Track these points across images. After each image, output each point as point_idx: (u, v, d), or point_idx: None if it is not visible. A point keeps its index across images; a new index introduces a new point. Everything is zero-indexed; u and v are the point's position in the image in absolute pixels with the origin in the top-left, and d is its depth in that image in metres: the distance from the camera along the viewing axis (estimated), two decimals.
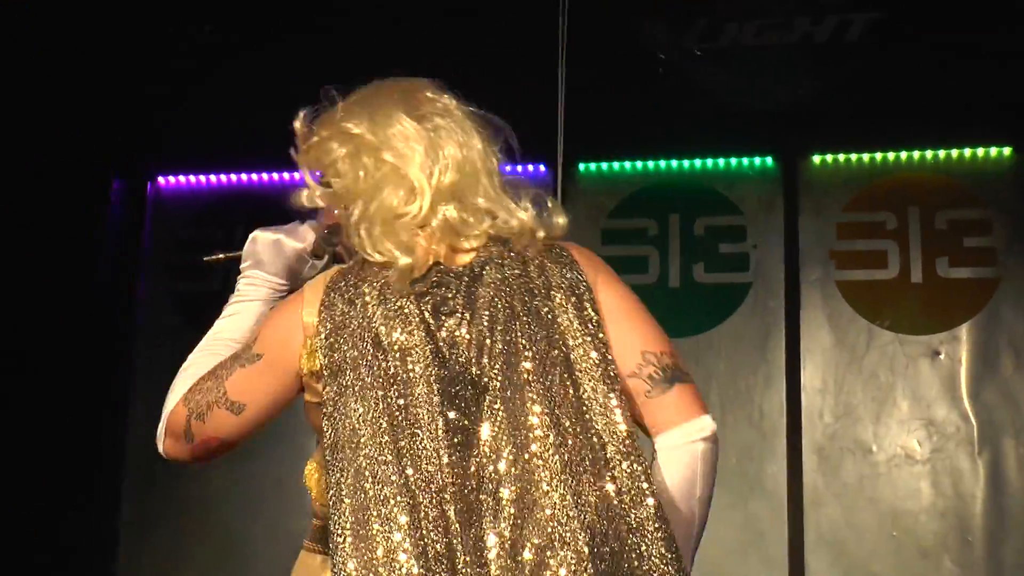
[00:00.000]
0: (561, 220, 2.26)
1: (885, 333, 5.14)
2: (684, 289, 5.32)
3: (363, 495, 2.16)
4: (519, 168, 5.80)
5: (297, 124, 2.27)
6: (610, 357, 2.18)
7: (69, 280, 5.55)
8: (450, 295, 2.22)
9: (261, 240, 2.38)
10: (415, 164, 2.22)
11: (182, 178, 5.77)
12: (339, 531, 2.13)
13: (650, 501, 2.06)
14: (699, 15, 5.11)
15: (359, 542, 2.13)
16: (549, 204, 2.29)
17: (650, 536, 2.06)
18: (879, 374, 5.12)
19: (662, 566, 2.01)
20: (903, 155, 5.26)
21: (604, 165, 5.46)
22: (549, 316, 2.21)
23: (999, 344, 5.05)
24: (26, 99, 5.43)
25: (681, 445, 2.13)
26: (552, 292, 2.24)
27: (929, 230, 5.18)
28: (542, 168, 5.18)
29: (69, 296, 5.52)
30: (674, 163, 5.43)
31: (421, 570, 2.07)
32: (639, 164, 5.41)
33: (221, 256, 2.54)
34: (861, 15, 5.01)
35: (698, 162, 5.40)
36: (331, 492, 2.15)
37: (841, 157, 5.31)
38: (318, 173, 2.32)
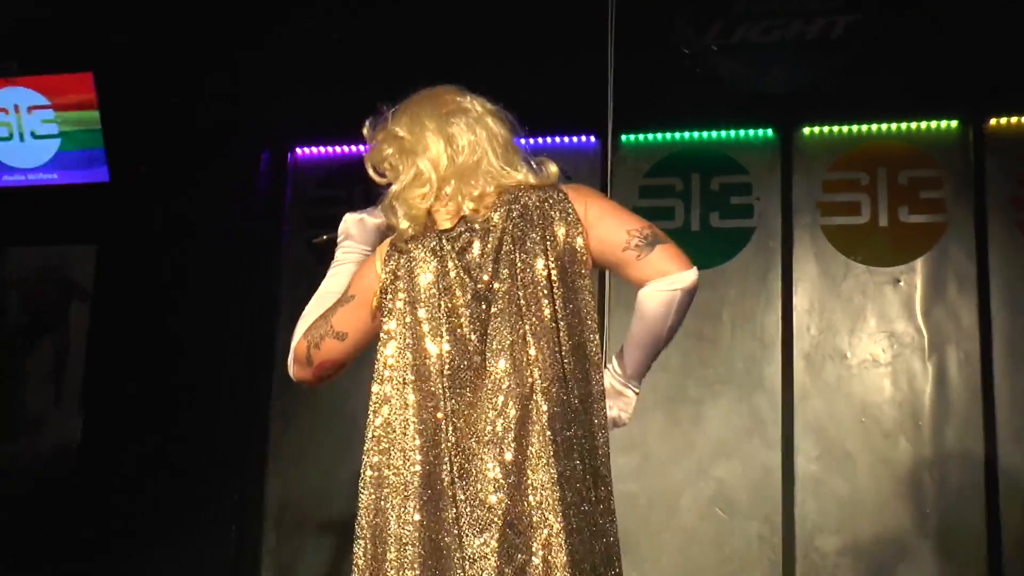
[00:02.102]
0: (552, 169, 2.47)
1: (858, 266, 5.33)
2: (703, 232, 5.49)
3: (392, 364, 2.35)
4: (577, 139, 6.01)
5: (364, 132, 2.53)
6: (581, 268, 2.35)
7: (230, 230, 5.78)
8: (467, 238, 2.41)
9: (350, 220, 2.61)
10: (429, 157, 2.43)
11: (314, 149, 5.94)
12: (377, 385, 2.35)
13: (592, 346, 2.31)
14: (717, 18, 5.31)
15: (382, 386, 2.36)
16: (542, 162, 2.48)
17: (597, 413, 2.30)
18: (853, 298, 5.31)
19: (591, 420, 2.28)
20: (874, 127, 5.44)
21: (641, 136, 5.60)
22: (543, 242, 2.38)
23: (946, 274, 5.23)
24: (198, 92, 5.66)
25: (660, 290, 2.32)
26: (548, 224, 2.39)
27: (893, 185, 5.36)
28: (593, 139, 5.49)
29: (230, 243, 5.77)
30: (695, 134, 5.58)
31: (418, 399, 2.30)
32: (668, 135, 5.58)
33: (324, 237, 2.75)
34: (843, 17, 5.19)
35: (714, 133, 5.56)
36: (377, 366, 2.37)
37: (826, 129, 5.49)
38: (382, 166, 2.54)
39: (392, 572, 2.26)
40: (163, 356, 5.69)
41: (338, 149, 5.92)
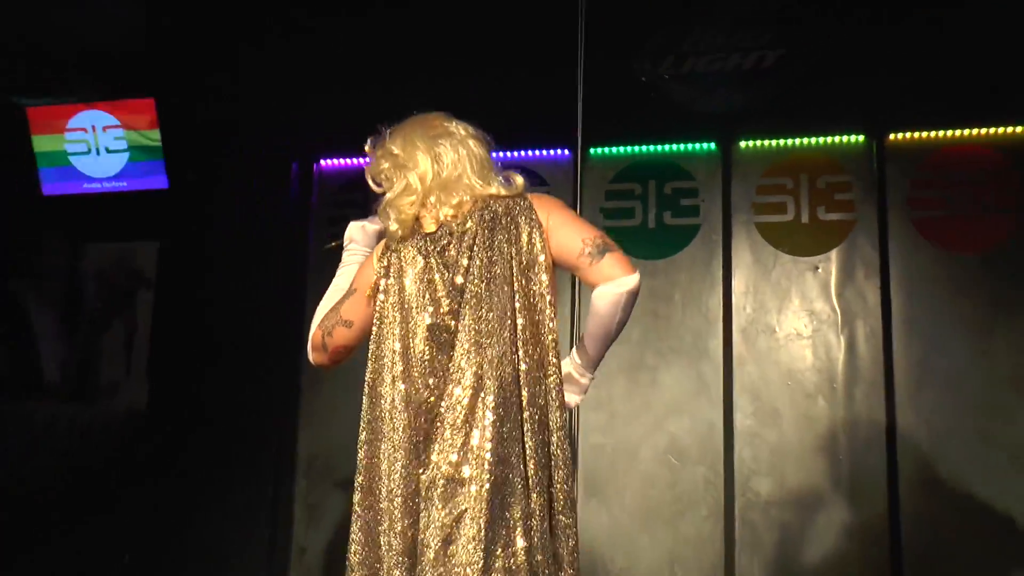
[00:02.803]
0: (519, 181, 2.55)
1: (785, 255, 5.46)
2: (658, 229, 5.59)
3: (382, 345, 2.49)
4: (553, 152, 6.04)
5: (367, 148, 2.66)
6: (540, 267, 2.43)
7: (266, 230, 5.89)
8: (447, 239, 2.49)
9: (353, 227, 2.77)
10: (418, 172, 2.52)
11: (337, 161, 5.99)
12: (371, 361, 2.50)
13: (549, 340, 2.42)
14: (669, 52, 5.44)
15: (376, 363, 2.50)
16: (511, 175, 2.56)
17: (554, 396, 2.40)
18: (780, 282, 5.45)
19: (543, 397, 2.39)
20: (797, 141, 5.53)
21: (606, 149, 5.66)
22: (509, 243, 2.46)
23: (855, 262, 5.37)
24: (239, 114, 5.77)
25: (609, 292, 2.40)
26: (513, 227, 2.47)
27: (813, 189, 5.47)
28: (566, 152, 5.58)
29: (266, 241, 5.89)
30: (652, 147, 5.64)
31: (403, 386, 2.42)
32: (629, 148, 5.64)
33: (335, 244, 2.85)
34: (772, 52, 5.34)
35: (667, 146, 5.62)
36: (371, 347, 2.50)
37: (759, 142, 5.56)
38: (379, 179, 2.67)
39: (383, 504, 2.43)
40: (213, 335, 5.80)
41: (356, 161, 5.94)
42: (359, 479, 2.48)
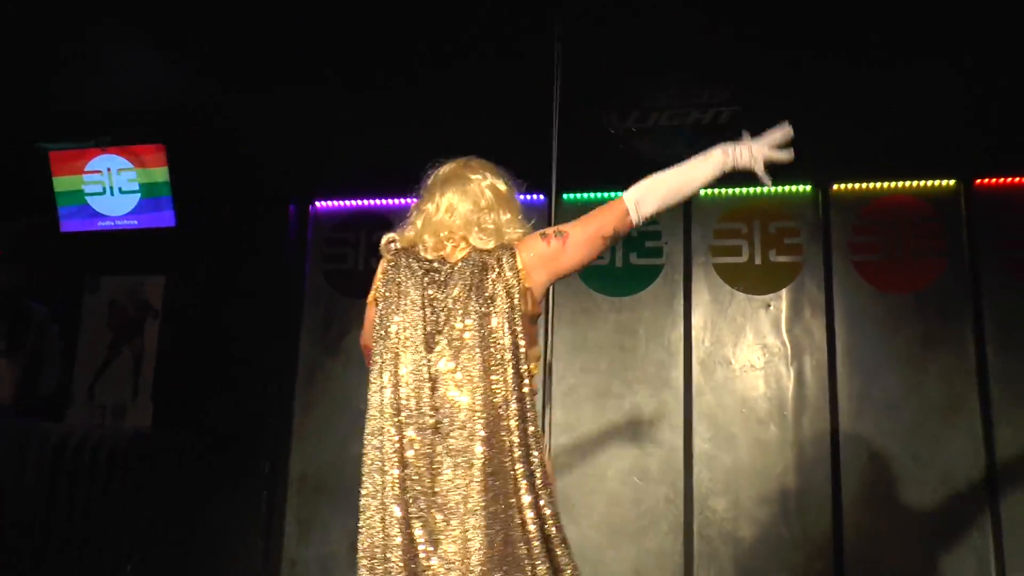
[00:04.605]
0: (529, 232, 2.66)
1: (740, 294, 5.63)
2: (624, 268, 5.72)
3: (380, 361, 2.53)
4: (530, 196, 6.00)
5: (410, 201, 2.78)
6: (514, 308, 2.48)
7: (266, 264, 6.05)
8: (439, 275, 2.56)
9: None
10: (435, 219, 2.62)
11: (331, 202, 6.16)
12: (375, 369, 2.53)
13: (520, 393, 2.45)
14: (635, 108, 5.54)
15: (376, 377, 2.53)
16: (522, 225, 2.67)
17: (515, 419, 2.43)
18: (736, 318, 5.62)
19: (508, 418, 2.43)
20: (751, 189, 5.73)
21: (579, 194, 5.72)
22: (489, 290, 2.52)
23: (803, 301, 5.56)
24: (241, 159, 5.88)
25: (632, 207, 2.72)
26: (492, 275, 2.53)
27: (765, 234, 5.67)
28: (542, 197, 5.45)
29: (265, 274, 6.04)
30: (619, 193, 4.78)
31: (391, 396, 2.46)
32: (599, 194, 5.65)
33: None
34: (727, 108, 5.45)
35: None
36: (374, 359, 2.54)
37: (716, 191, 5.72)
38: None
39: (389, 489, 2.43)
40: (214, 360, 5.92)
41: (350, 203, 6.12)
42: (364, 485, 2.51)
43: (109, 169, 5.83)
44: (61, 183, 5.88)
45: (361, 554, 2.42)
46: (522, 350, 2.46)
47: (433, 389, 2.45)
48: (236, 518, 5.73)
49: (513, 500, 2.37)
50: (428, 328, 2.50)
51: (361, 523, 2.44)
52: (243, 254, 6.02)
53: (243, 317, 5.94)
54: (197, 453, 5.79)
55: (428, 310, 2.51)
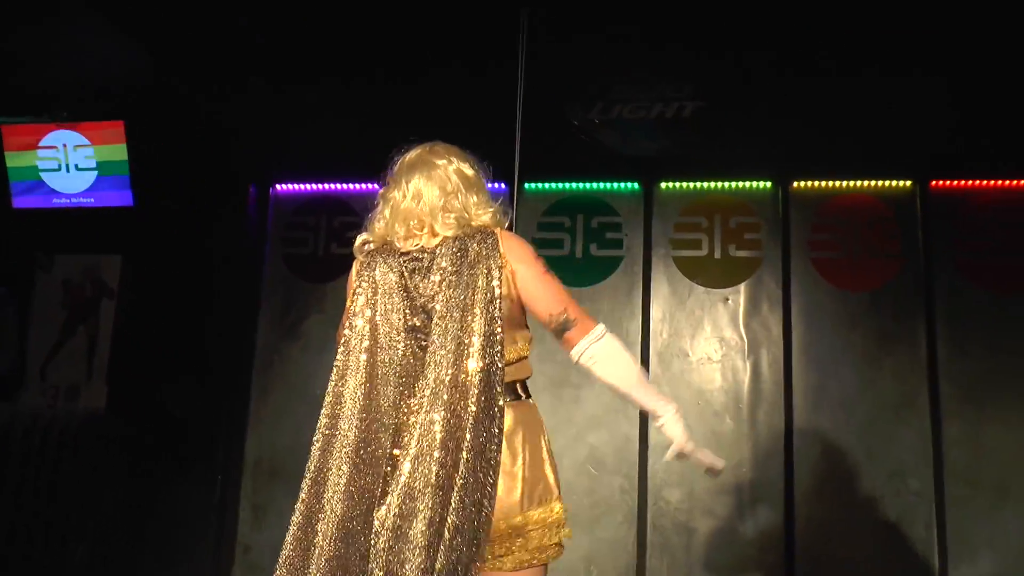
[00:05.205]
0: (494, 213, 2.60)
1: (699, 287, 5.67)
2: (584, 259, 5.73)
3: (347, 359, 2.50)
4: (492, 186, 6.19)
5: (375, 187, 2.73)
6: (494, 297, 2.44)
7: (225, 248, 5.97)
8: (420, 262, 2.53)
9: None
10: (394, 200, 2.59)
11: (291, 185, 6.10)
12: (336, 364, 2.51)
13: (473, 365, 2.40)
14: (598, 100, 5.58)
15: (342, 362, 2.52)
16: (495, 211, 2.61)
17: (475, 394, 2.38)
18: (694, 311, 5.65)
19: (473, 407, 2.38)
20: (712, 184, 5.75)
21: (540, 185, 5.82)
22: (471, 278, 2.48)
23: (761, 295, 5.62)
24: (203, 138, 5.81)
25: (584, 363, 2.50)
26: (476, 264, 2.49)
27: (725, 228, 5.71)
28: (503, 186, 5.26)
29: (225, 257, 5.97)
30: (581, 185, 5.80)
31: (365, 385, 2.45)
32: (560, 185, 5.81)
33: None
34: (691, 103, 5.50)
35: (594, 184, 5.79)
36: (336, 360, 2.51)
37: (678, 184, 5.77)
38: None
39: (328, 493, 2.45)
40: (170, 342, 5.79)
41: (310, 186, 6.08)
42: (309, 468, 2.52)
43: (65, 145, 5.72)
44: (13, 158, 5.74)
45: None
46: (498, 331, 2.42)
47: (412, 374, 2.45)
48: (190, 502, 5.64)
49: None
50: (408, 318, 2.49)
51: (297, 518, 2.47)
52: (202, 236, 5.92)
53: (201, 299, 5.86)
54: (151, 436, 5.71)
55: (407, 300, 2.50)
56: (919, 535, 5.22)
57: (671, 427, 2.55)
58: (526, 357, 2.61)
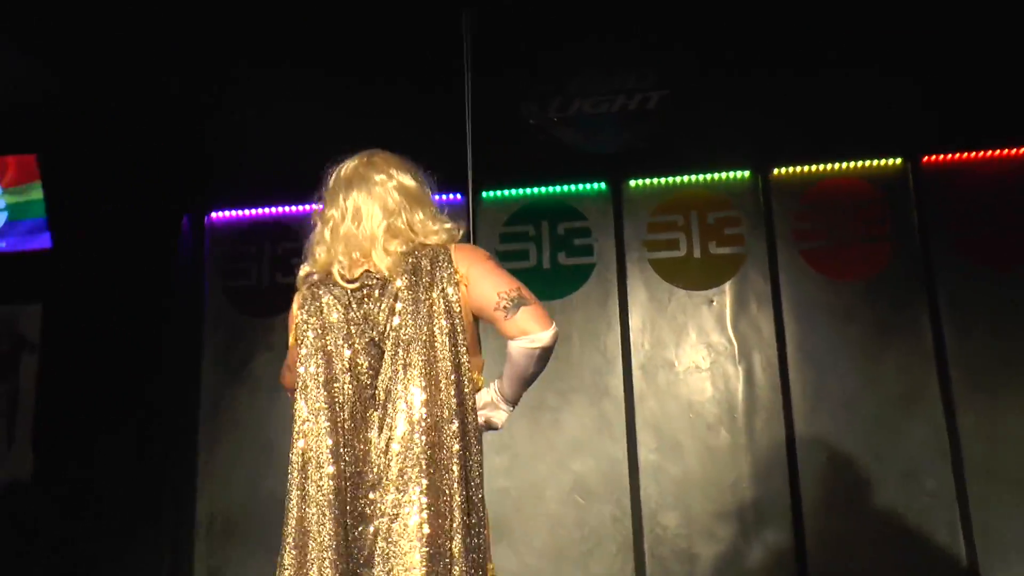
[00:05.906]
0: (447, 228, 2.50)
1: (679, 290, 5.45)
2: (552, 269, 5.53)
3: (310, 401, 2.39)
4: (446, 196, 6.01)
5: (313, 207, 2.60)
6: (457, 322, 2.40)
7: (159, 281, 5.66)
8: (370, 291, 2.45)
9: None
10: (343, 229, 2.48)
11: (227, 213, 5.87)
12: (299, 407, 2.41)
13: (454, 401, 2.35)
14: (556, 95, 5.37)
15: (302, 410, 2.40)
16: (443, 224, 2.51)
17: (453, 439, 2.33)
18: (676, 316, 5.43)
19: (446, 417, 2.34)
20: (686, 178, 5.57)
21: (499, 192, 5.63)
22: (427, 298, 2.42)
23: (748, 294, 5.39)
24: (128, 169, 5.50)
25: (523, 347, 2.38)
26: (431, 288, 2.42)
27: (703, 224, 5.50)
28: (459, 196, 5.25)
29: (160, 290, 5.66)
30: (543, 188, 5.65)
31: (327, 424, 2.36)
32: (521, 191, 5.63)
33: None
34: (656, 93, 5.30)
35: (558, 187, 5.64)
36: (298, 392, 2.42)
37: (648, 180, 5.58)
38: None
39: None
40: (104, 396, 5.44)
41: (249, 212, 5.87)
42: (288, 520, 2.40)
43: None
44: None
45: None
46: (465, 361, 2.39)
47: (373, 411, 2.41)
48: (139, 571, 5.25)
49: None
50: (363, 354, 2.42)
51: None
52: (132, 276, 5.57)
53: (135, 346, 5.49)
54: (89, 502, 5.31)
55: (361, 335, 2.43)
56: (943, 539, 4.92)
57: (500, 417, 2.56)
58: (480, 388, 2.55)
